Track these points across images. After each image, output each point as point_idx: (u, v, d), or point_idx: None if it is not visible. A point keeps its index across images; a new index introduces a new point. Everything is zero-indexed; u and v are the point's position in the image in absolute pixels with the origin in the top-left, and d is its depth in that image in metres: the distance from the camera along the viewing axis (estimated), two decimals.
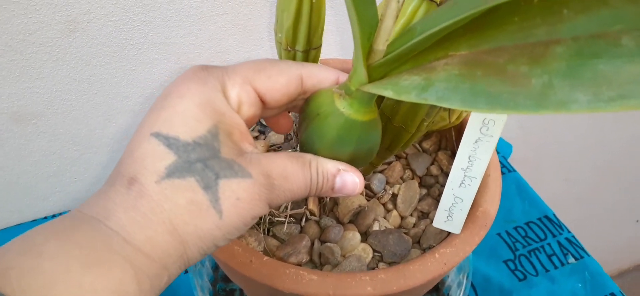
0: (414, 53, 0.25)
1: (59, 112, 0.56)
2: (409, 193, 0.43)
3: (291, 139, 0.47)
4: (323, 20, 0.35)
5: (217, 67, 0.29)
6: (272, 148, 0.46)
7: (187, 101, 0.26)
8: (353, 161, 0.31)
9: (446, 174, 0.45)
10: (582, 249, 0.60)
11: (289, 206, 0.41)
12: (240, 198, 0.25)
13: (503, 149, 0.76)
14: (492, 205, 0.38)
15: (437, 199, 0.43)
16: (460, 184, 0.32)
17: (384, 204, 0.43)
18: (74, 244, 0.22)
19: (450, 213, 0.34)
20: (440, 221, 0.35)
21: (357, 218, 0.41)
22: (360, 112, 0.28)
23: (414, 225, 0.41)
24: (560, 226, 0.62)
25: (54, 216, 0.64)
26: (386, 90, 0.24)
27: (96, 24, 0.51)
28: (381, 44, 0.25)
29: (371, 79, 0.26)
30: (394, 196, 0.43)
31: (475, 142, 0.30)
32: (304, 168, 0.28)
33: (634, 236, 1.41)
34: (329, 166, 0.29)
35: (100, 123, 0.59)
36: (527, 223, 0.62)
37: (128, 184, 0.24)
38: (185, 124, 0.25)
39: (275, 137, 0.47)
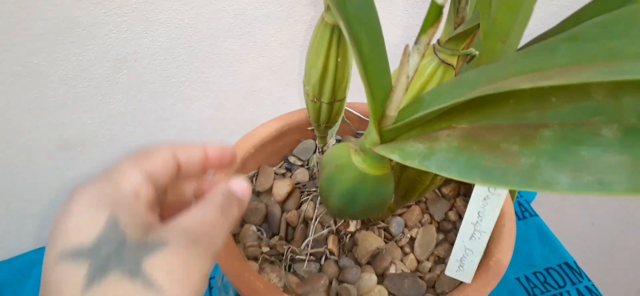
0: (421, 122, 0.28)
1: (103, 141, 0.61)
2: (426, 237, 0.45)
3: (316, 178, 0.50)
4: (348, 77, 0.38)
5: (100, 173, 0.28)
6: (297, 186, 0.49)
7: (76, 207, 0.24)
8: (366, 211, 0.34)
9: None
10: None
11: (309, 244, 0.44)
12: (172, 267, 0.23)
13: (526, 193, 0.77)
14: (505, 255, 0.39)
15: (453, 245, 0.45)
16: (471, 237, 0.34)
17: (401, 247, 0.45)
18: None
19: (461, 263, 0.36)
20: (452, 270, 0.37)
21: (374, 259, 0.43)
22: (373, 168, 0.31)
23: (430, 270, 0.43)
24: (581, 274, 0.63)
25: None
26: (393, 154, 0.27)
27: (142, 63, 0.56)
28: (392, 111, 0.28)
29: (383, 141, 0.29)
30: (412, 240, 0.45)
31: (484, 199, 0.33)
32: (208, 201, 0.28)
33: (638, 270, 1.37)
34: (221, 188, 0.29)
35: None
36: (546, 269, 0.63)
37: None
38: (82, 229, 0.24)
39: (300, 176, 0.50)
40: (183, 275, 0.23)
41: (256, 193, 0.49)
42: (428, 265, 0.44)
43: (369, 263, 0.43)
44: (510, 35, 0.26)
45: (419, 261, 0.44)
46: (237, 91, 0.62)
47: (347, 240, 0.44)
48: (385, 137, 0.29)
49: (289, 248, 0.43)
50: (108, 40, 0.53)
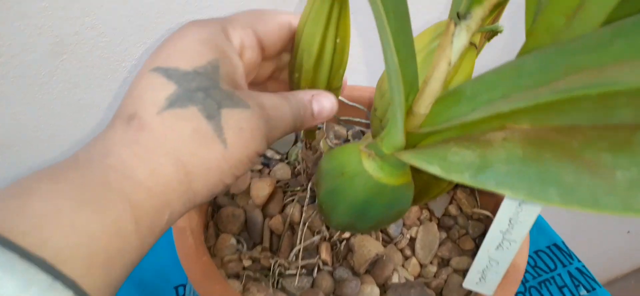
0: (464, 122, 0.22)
1: (44, 138, 0.52)
2: (427, 237, 0.40)
3: (299, 174, 0.44)
4: (346, 60, 0.32)
5: (216, 18, 0.28)
6: (278, 185, 0.43)
7: (188, 37, 0.25)
8: (379, 224, 0.29)
9: (466, 215, 0.42)
10: (594, 280, 0.58)
11: (300, 256, 0.38)
12: (243, 128, 0.24)
13: None
14: (522, 258, 0.35)
15: (456, 243, 0.41)
16: (498, 247, 0.29)
17: (401, 250, 0.40)
18: (67, 184, 0.20)
19: (483, 275, 0.31)
20: (471, 282, 0.32)
21: (374, 268, 0.38)
22: (392, 176, 0.25)
23: (435, 275, 0.39)
24: (571, 255, 0.60)
25: None
26: (431, 164, 0.21)
27: (86, 46, 0.47)
28: (423, 108, 0.22)
29: (408, 145, 0.23)
30: (412, 241, 0.41)
31: (519, 205, 0.28)
32: (286, 99, 0.28)
33: (624, 246, 1.41)
34: (303, 95, 0.30)
35: None
36: (536, 252, 0.60)
37: (127, 121, 0.23)
38: (185, 56, 0.24)
39: (280, 173, 0.44)
40: (247, 141, 0.24)
41: (230, 196, 0.43)
42: (433, 269, 0.39)
43: (368, 271, 0.38)
44: (585, 6, 0.20)
45: (422, 265, 0.39)
46: None
47: (341, 247, 0.39)
48: (411, 140, 0.23)
49: (276, 261, 0.37)
50: (42, 19, 0.44)
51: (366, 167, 0.26)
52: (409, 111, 0.24)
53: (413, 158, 0.22)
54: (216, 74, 0.25)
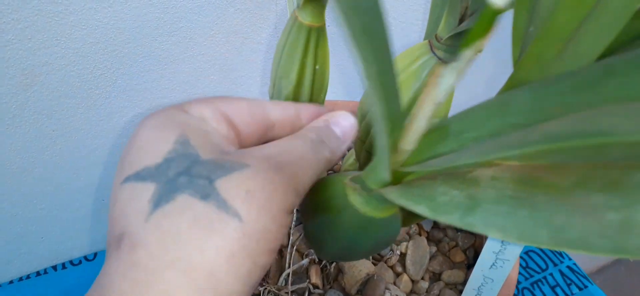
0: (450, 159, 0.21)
1: (19, 172, 0.51)
2: (418, 252, 0.39)
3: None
4: (326, 84, 0.31)
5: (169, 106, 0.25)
6: None
7: (142, 133, 0.22)
8: (370, 252, 0.28)
9: (455, 227, 0.42)
10: (585, 277, 0.58)
11: (289, 280, 0.37)
12: (250, 190, 0.20)
13: None
14: (514, 270, 0.34)
15: (447, 256, 0.40)
16: (492, 266, 0.29)
17: (392, 267, 0.39)
18: None
19: (479, 291, 0.30)
20: None
21: (365, 288, 0.37)
22: (380, 210, 0.25)
23: (427, 290, 0.38)
24: (561, 253, 0.60)
25: (20, 279, 0.58)
26: (418, 205, 0.20)
27: (57, 75, 0.46)
28: (409, 145, 0.22)
29: (394, 180, 0.23)
30: (402, 256, 0.40)
31: None
32: (298, 137, 0.24)
33: None
34: (314, 123, 0.26)
35: (66, 179, 0.54)
36: (527, 252, 0.60)
37: (117, 245, 0.19)
38: (148, 152, 0.21)
39: None
40: (264, 201, 0.20)
41: None
42: (424, 284, 0.38)
43: (359, 292, 0.37)
44: (578, 38, 0.19)
45: (413, 281, 0.39)
46: (176, 95, 0.53)
47: (331, 269, 0.38)
48: (397, 176, 0.23)
49: (265, 288, 0.36)
50: (8, 51, 0.42)
51: (352, 201, 0.25)
52: (393, 147, 0.23)
53: (399, 197, 0.21)
54: (190, 149, 0.21)
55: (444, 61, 0.28)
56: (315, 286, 0.37)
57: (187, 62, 0.51)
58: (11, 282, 0.58)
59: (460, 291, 0.37)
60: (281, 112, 0.26)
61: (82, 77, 0.47)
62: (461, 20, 0.27)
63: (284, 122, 0.26)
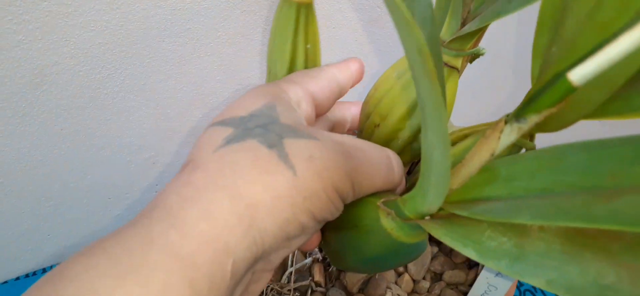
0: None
1: (28, 169, 0.51)
2: None
3: None
4: (319, 64, 0.32)
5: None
6: None
7: (243, 96, 0.25)
8: (392, 268, 0.29)
9: None
10: None
11: (292, 278, 0.38)
12: (313, 156, 0.21)
13: None
14: (513, 286, 0.35)
15: (449, 256, 0.41)
16: (497, 274, 0.29)
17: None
18: (104, 255, 0.17)
19: None
20: None
21: (367, 287, 0.38)
22: (411, 236, 0.25)
23: (429, 290, 0.39)
24: None
25: (26, 276, 0.59)
26: (466, 248, 0.20)
27: (66, 75, 0.47)
28: (456, 185, 0.22)
29: (435, 214, 0.23)
30: None
31: None
32: (380, 149, 0.26)
33: None
34: (389, 152, 0.28)
35: (74, 176, 0.55)
36: None
37: (182, 169, 0.21)
38: (240, 107, 0.24)
39: None
40: (321, 170, 0.21)
41: None
42: (426, 284, 0.39)
43: (361, 290, 0.38)
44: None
45: (415, 281, 0.39)
46: (182, 96, 0.54)
47: (334, 268, 0.39)
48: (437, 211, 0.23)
49: (269, 286, 0.37)
50: (19, 52, 0.43)
51: (384, 224, 0.25)
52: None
53: (444, 235, 0.21)
54: (274, 113, 0.23)
55: (446, 64, 0.29)
56: (318, 284, 0.38)
57: (194, 63, 0.51)
58: (17, 279, 0.59)
59: (462, 292, 0.37)
60: (346, 75, 0.30)
61: (90, 77, 0.48)
62: (463, 23, 0.28)
63: (355, 79, 0.31)
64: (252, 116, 0.23)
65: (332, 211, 0.23)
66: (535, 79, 0.22)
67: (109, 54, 0.47)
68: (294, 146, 0.21)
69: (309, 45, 0.30)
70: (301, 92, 0.27)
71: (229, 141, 0.21)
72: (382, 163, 0.26)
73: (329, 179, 0.22)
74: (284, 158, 0.21)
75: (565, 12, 0.19)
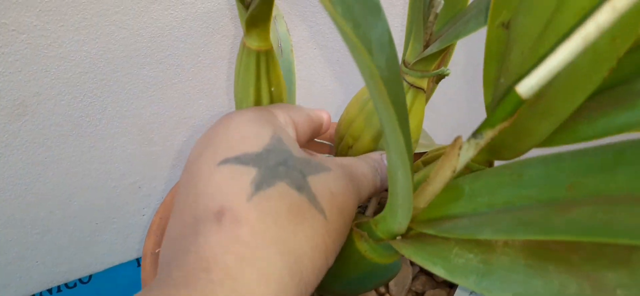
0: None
1: (12, 198, 0.52)
2: (401, 272, 0.40)
3: None
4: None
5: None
6: None
7: (237, 124, 0.24)
8: (370, 290, 0.29)
9: None
10: None
11: None
12: (333, 192, 0.22)
13: None
14: None
15: (430, 276, 0.41)
16: (471, 293, 0.29)
17: (375, 288, 0.40)
18: None
19: None
20: None
21: None
22: (384, 257, 0.26)
23: None
24: None
25: None
26: (434, 265, 0.20)
27: (47, 105, 0.47)
28: (422, 204, 0.22)
29: (404, 235, 0.24)
30: None
31: None
32: (360, 159, 0.27)
33: None
34: (372, 154, 0.29)
35: (60, 204, 0.55)
36: None
37: (217, 219, 0.20)
38: (246, 140, 0.23)
39: None
40: (342, 204, 0.23)
41: None
42: None
43: None
44: (546, 95, 0.20)
45: None
46: (165, 121, 0.54)
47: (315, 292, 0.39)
48: (406, 231, 0.23)
49: None
50: (1, 83, 0.44)
51: (359, 247, 0.26)
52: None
53: (414, 254, 0.22)
54: (284, 146, 0.23)
55: (412, 85, 0.29)
56: None
57: (175, 88, 0.52)
58: None
59: None
60: (316, 118, 0.30)
61: (72, 106, 0.48)
62: (426, 45, 0.28)
63: (323, 129, 0.31)
64: (268, 152, 0.22)
65: (344, 239, 0.24)
66: (488, 107, 0.22)
67: (90, 83, 0.47)
68: (316, 183, 0.22)
69: (273, 89, 0.30)
70: (287, 118, 0.27)
71: (258, 186, 0.21)
72: (371, 173, 0.27)
73: (348, 213, 0.23)
74: (314, 201, 0.21)
75: (510, 45, 0.19)
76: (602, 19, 0.13)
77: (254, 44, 0.28)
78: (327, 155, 0.27)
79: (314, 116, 0.30)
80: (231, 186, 0.21)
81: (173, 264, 0.20)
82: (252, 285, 0.19)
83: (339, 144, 0.34)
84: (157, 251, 0.38)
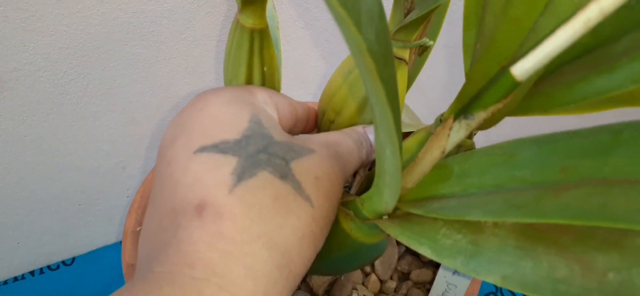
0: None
1: None
2: (386, 252, 0.40)
3: None
4: (278, 84, 0.31)
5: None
6: None
7: (213, 106, 0.23)
8: (356, 268, 0.28)
9: None
10: None
11: None
12: (319, 176, 0.21)
13: None
14: (476, 284, 0.35)
15: (416, 256, 0.40)
16: (454, 272, 0.29)
17: (360, 267, 0.39)
18: None
19: None
20: None
21: (333, 288, 0.37)
22: (370, 236, 0.25)
23: (395, 289, 0.38)
24: None
25: None
26: (421, 245, 0.20)
27: (26, 81, 0.46)
28: (410, 184, 0.22)
29: (392, 214, 0.23)
30: None
31: None
32: (344, 133, 0.27)
33: None
34: (356, 127, 0.28)
35: (41, 184, 0.54)
36: None
37: (197, 213, 0.19)
38: (223, 125, 0.22)
39: None
40: (328, 188, 0.22)
41: None
42: (392, 284, 0.39)
43: (327, 292, 0.38)
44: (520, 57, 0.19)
45: (382, 281, 0.39)
46: (149, 100, 0.53)
47: None
48: (394, 211, 0.23)
49: None
50: None
51: (345, 227, 0.25)
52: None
53: (400, 234, 0.21)
54: (263, 129, 0.22)
55: (395, 57, 0.28)
56: None
57: (159, 66, 0.51)
58: None
59: (429, 291, 0.37)
60: (303, 111, 0.29)
61: (52, 83, 0.47)
62: (407, 14, 0.27)
63: (302, 120, 0.29)
64: (248, 138, 0.21)
65: (330, 224, 0.23)
66: (467, 74, 0.21)
67: (71, 59, 0.46)
68: (300, 169, 0.21)
69: (265, 68, 0.29)
70: (267, 97, 0.26)
71: (240, 177, 0.20)
72: (356, 148, 0.26)
73: (334, 195, 0.22)
74: (299, 189, 0.21)
75: (485, 9, 0.19)
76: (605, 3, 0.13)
77: (249, 21, 0.27)
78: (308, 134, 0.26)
79: (300, 106, 0.29)
80: (210, 177, 0.20)
81: (154, 258, 0.19)
82: (240, 282, 0.18)
83: (322, 118, 0.33)
84: (138, 229, 0.37)
